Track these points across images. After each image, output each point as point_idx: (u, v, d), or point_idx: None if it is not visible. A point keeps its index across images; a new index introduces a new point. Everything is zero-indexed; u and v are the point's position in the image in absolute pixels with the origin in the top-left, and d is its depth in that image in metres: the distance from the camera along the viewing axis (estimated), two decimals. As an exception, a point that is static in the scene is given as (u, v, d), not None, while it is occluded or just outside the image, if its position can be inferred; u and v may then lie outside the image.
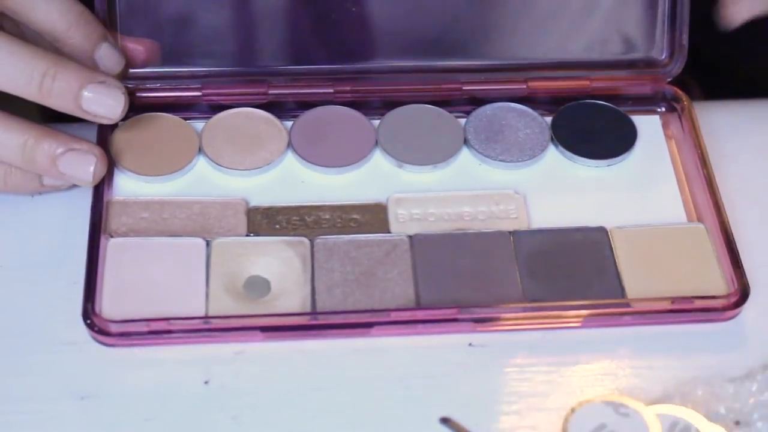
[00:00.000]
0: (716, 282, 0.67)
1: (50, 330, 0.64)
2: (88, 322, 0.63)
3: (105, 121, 0.68)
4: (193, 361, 0.63)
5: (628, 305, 0.65)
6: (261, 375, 0.63)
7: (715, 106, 0.75)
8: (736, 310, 0.66)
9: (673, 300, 0.65)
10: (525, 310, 0.65)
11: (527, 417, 0.62)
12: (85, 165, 0.66)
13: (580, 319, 0.65)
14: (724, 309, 0.65)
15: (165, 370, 0.63)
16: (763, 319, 0.66)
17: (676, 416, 0.60)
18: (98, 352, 0.64)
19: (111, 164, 0.70)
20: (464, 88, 0.75)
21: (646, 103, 0.75)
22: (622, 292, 0.66)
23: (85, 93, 0.66)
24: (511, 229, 0.69)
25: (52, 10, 0.67)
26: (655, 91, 0.75)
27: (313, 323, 0.64)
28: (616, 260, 0.67)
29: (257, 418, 0.62)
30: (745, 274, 0.66)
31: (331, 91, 0.74)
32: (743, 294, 0.65)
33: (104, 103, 0.66)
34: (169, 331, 0.63)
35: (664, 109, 0.75)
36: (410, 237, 0.68)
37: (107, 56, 0.69)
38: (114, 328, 0.63)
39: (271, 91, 0.74)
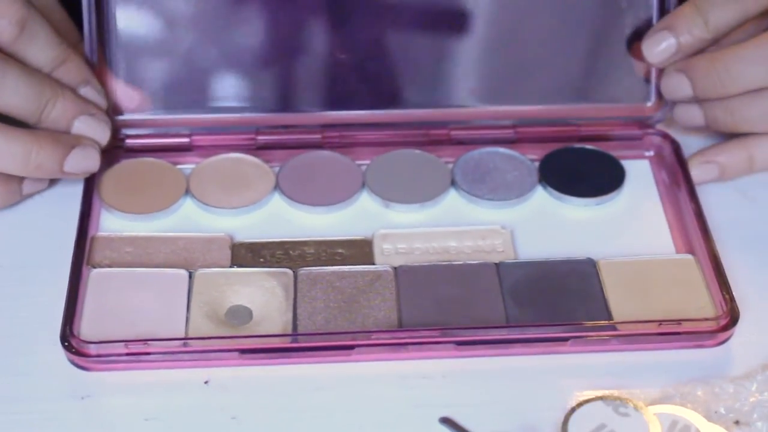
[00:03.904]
0: (706, 309, 0.66)
1: (50, 330, 0.63)
2: (66, 344, 0.62)
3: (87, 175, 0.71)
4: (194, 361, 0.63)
5: (614, 328, 0.64)
6: (261, 375, 0.63)
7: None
8: (726, 334, 0.64)
9: (661, 323, 0.64)
10: (509, 332, 0.64)
11: (527, 417, 0.61)
12: (89, 158, 0.69)
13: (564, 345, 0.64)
14: (713, 332, 0.64)
15: (165, 370, 0.63)
16: (763, 319, 0.66)
17: (676, 416, 0.59)
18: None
19: (97, 202, 0.71)
20: (452, 134, 0.75)
21: (635, 147, 0.75)
22: (608, 317, 0.65)
23: (76, 123, 0.70)
24: (497, 261, 0.68)
25: (39, 54, 0.69)
26: (643, 136, 0.75)
27: (292, 346, 0.63)
28: (604, 288, 0.66)
29: (257, 418, 0.61)
30: (734, 298, 0.65)
31: (320, 137, 0.75)
32: (732, 317, 0.64)
33: (90, 134, 0.70)
34: (147, 353, 0.62)
35: (652, 153, 0.75)
36: (395, 268, 0.68)
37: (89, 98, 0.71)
38: (92, 350, 0.62)
39: (259, 138, 0.74)
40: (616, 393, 0.61)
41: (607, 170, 0.74)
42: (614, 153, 0.75)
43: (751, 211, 0.72)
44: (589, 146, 0.75)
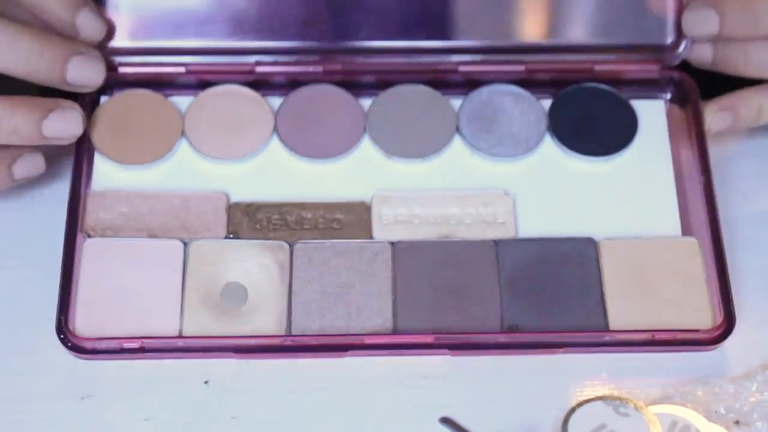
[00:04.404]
0: (703, 308, 0.65)
1: (50, 329, 0.64)
2: (62, 337, 0.63)
3: (86, 90, 0.67)
4: (193, 361, 0.64)
5: (607, 336, 0.64)
6: (261, 375, 0.63)
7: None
8: (721, 343, 0.64)
9: (654, 332, 0.64)
10: (504, 338, 0.64)
11: (527, 417, 0.62)
12: (70, 121, 0.66)
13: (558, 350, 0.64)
14: (708, 342, 0.64)
15: (165, 369, 0.63)
16: (763, 318, 0.66)
17: (676, 416, 0.60)
18: (98, 351, 0.64)
19: (91, 151, 0.69)
20: (460, 68, 0.71)
21: (651, 88, 0.72)
22: (604, 316, 0.65)
23: (69, 67, 0.66)
24: (497, 238, 0.67)
25: None
26: (660, 76, 0.72)
27: (287, 345, 0.64)
28: (602, 280, 0.66)
29: (257, 418, 0.62)
30: (732, 302, 0.64)
31: (321, 69, 0.71)
32: (728, 326, 0.64)
33: (85, 75, 0.66)
34: (142, 350, 0.63)
35: (669, 95, 0.72)
36: (392, 244, 0.67)
37: (87, 23, 0.68)
38: (88, 345, 0.63)
39: (258, 69, 0.71)
40: (616, 393, 0.62)
41: (619, 118, 0.71)
42: (629, 94, 0.71)
43: (751, 211, 0.70)
44: (602, 86, 0.71)
